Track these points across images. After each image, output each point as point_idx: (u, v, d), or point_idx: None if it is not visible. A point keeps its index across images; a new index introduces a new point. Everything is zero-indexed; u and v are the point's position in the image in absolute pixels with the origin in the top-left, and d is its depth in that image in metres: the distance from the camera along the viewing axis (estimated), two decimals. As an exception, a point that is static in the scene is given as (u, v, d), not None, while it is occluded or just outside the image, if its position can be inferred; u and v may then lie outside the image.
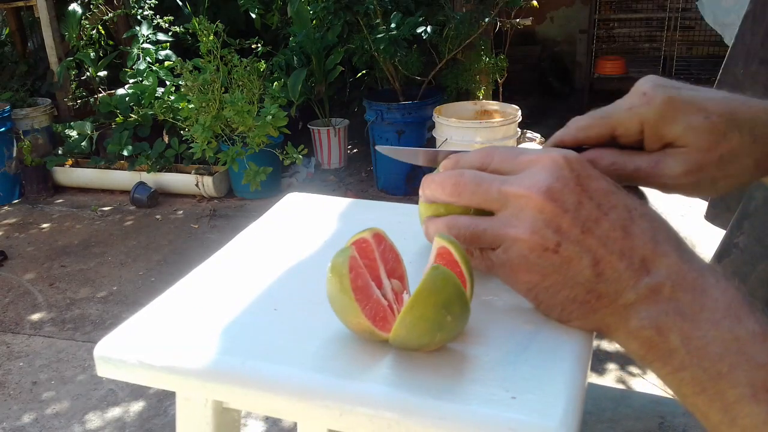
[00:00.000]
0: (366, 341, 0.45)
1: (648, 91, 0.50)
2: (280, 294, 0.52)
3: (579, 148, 0.52)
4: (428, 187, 0.49)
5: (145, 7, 3.88)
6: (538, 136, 3.79)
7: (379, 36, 3.30)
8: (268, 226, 0.65)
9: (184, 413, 0.49)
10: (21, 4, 4.00)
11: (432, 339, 0.42)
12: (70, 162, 3.83)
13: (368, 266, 0.45)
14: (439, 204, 0.50)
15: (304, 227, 0.65)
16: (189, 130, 3.38)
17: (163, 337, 0.46)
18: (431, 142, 3.43)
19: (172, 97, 3.56)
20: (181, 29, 3.80)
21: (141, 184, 3.58)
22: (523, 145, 3.64)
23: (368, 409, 0.40)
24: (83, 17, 3.91)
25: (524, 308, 0.48)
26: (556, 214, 0.42)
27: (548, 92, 5.32)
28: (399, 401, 0.40)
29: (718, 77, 1.43)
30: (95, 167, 3.76)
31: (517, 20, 3.56)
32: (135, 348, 0.45)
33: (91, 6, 3.94)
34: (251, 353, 0.44)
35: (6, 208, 3.68)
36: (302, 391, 0.41)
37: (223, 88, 3.37)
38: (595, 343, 2.22)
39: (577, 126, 0.53)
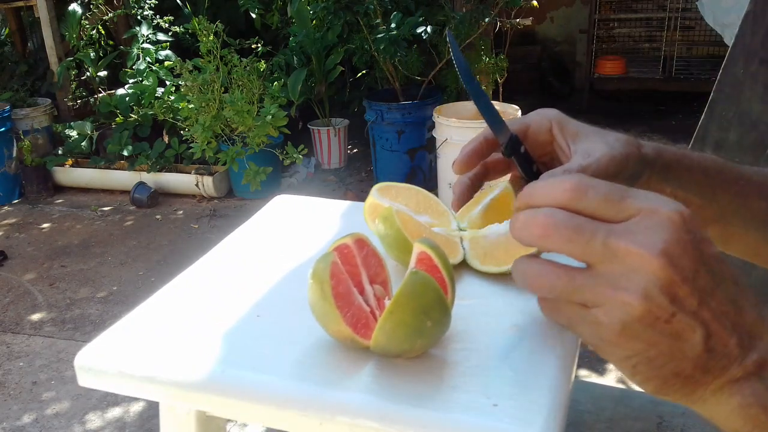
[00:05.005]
0: (348, 348, 0.45)
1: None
2: (264, 301, 0.51)
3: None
4: (513, 226, 0.41)
5: (145, 7, 3.88)
6: (539, 135, 3.77)
7: (379, 36, 3.30)
8: (255, 231, 0.65)
9: (167, 422, 0.48)
10: (21, 4, 4.00)
11: (412, 345, 0.42)
12: (70, 162, 3.83)
13: (350, 272, 0.45)
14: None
15: (290, 231, 0.64)
16: (189, 130, 3.38)
17: (144, 346, 0.46)
18: (431, 142, 3.42)
19: (172, 97, 3.56)
20: (181, 29, 3.79)
21: (141, 184, 3.58)
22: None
23: (348, 418, 0.40)
24: (83, 17, 3.90)
25: (507, 314, 0.48)
26: (674, 281, 0.37)
27: (548, 92, 5.31)
28: (379, 410, 0.40)
29: (718, 77, 1.43)
30: (95, 167, 3.76)
31: (517, 20, 3.55)
32: (115, 358, 0.45)
33: (91, 6, 3.93)
34: (232, 362, 0.44)
35: (6, 208, 3.69)
36: (282, 401, 0.41)
37: (222, 88, 3.37)
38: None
39: None
